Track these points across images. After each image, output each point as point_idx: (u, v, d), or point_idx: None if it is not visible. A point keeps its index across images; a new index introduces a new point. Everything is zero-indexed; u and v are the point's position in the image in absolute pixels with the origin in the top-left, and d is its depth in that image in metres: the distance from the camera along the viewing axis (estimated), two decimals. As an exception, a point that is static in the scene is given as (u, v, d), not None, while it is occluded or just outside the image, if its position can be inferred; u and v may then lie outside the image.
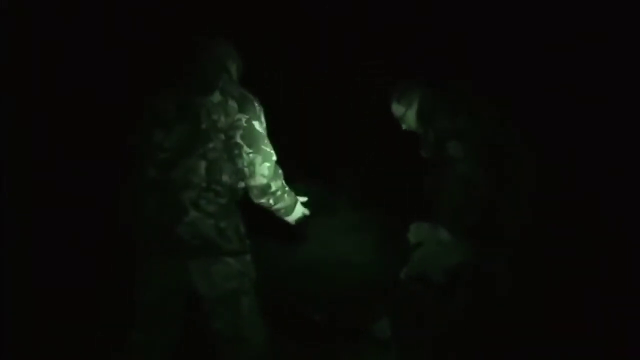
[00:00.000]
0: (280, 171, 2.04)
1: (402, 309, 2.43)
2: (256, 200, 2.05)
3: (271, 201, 2.04)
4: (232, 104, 1.96)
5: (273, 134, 2.04)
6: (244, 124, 1.95)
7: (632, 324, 2.43)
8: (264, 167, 1.97)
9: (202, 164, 1.95)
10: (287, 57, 3.95)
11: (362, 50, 3.87)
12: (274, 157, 2.00)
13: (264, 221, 2.33)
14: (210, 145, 1.95)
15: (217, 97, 1.97)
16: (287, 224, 2.22)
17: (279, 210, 2.10)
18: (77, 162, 3.22)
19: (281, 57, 3.93)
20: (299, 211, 2.20)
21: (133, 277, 2.08)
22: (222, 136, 1.94)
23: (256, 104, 2.00)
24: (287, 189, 2.09)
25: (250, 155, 1.95)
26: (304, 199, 2.25)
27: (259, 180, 1.98)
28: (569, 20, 3.03)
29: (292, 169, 2.41)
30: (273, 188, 2.01)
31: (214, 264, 1.99)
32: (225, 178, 1.96)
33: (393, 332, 2.54)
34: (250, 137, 1.95)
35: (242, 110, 1.96)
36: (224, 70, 2.10)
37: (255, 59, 2.34)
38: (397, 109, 2.54)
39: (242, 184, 2.00)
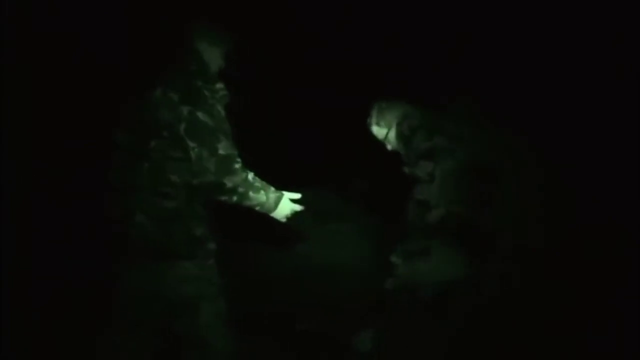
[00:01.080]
0: (237, 166, 1.86)
1: (386, 322, 2.37)
2: (216, 198, 1.90)
3: (234, 199, 1.88)
4: (173, 96, 1.84)
5: (289, 136, 1.94)
6: (186, 116, 1.82)
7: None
8: (211, 162, 1.82)
9: (145, 165, 1.85)
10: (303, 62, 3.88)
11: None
12: (222, 151, 1.83)
13: (259, 223, 2.25)
14: (152, 144, 1.84)
15: (158, 91, 1.86)
16: (287, 228, 2.14)
17: (252, 207, 1.94)
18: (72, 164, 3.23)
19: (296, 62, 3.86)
20: (286, 208, 2.03)
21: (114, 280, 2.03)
22: (166, 133, 1.83)
23: (207, 93, 1.86)
24: (256, 184, 1.91)
25: (196, 150, 1.81)
26: (294, 195, 2.09)
27: (208, 176, 1.83)
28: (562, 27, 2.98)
29: (308, 173, 2.34)
30: (229, 185, 1.84)
31: (170, 268, 1.90)
32: (173, 178, 1.84)
33: (374, 345, 2.47)
34: (194, 130, 1.82)
35: (184, 101, 1.83)
36: (190, 55, 1.97)
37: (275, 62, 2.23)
38: (378, 131, 2.48)
39: (196, 182, 1.85)
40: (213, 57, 2.03)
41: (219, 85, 1.94)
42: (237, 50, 2.12)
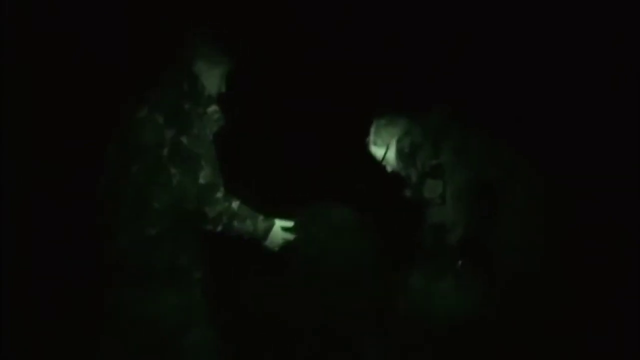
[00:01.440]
0: (219, 195, 1.78)
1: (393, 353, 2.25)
2: (200, 227, 1.82)
3: (219, 228, 1.81)
4: (159, 118, 1.76)
5: (285, 146, 1.85)
6: (170, 140, 1.74)
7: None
8: (192, 190, 1.74)
9: (128, 189, 1.77)
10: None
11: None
12: (203, 180, 1.74)
13: (249, 247, 2.10)
14: (136, 167, 1.76)
15: (143, 112, 1.79)
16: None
17: (240, 236, 1.86)
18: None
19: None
20: (277, 237, 1.94)
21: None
22: (149, 156, 1.75)
23: (194, 117, 1.77)
24: (241, 213, 1.83)
25: (177, 176, 1.73)
26: (287, 223, 2.00)
27: (190, 204, 1.76)
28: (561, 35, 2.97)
29: (303, 186, 2.25)
30: (211, 214, 1.77)
31: (151, 295, 1.82)
32: (156, 204, 1.76)
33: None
34: (177, 156, 1.74)
35: (169, 124, 1.75)
36: (184, 74, 1.87)
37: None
38: (375, 151, 2.31)
39: (181, 209, 1.78)
40: (211, 79, 1.94)
41: (212, 109, 1.86)
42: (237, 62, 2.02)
